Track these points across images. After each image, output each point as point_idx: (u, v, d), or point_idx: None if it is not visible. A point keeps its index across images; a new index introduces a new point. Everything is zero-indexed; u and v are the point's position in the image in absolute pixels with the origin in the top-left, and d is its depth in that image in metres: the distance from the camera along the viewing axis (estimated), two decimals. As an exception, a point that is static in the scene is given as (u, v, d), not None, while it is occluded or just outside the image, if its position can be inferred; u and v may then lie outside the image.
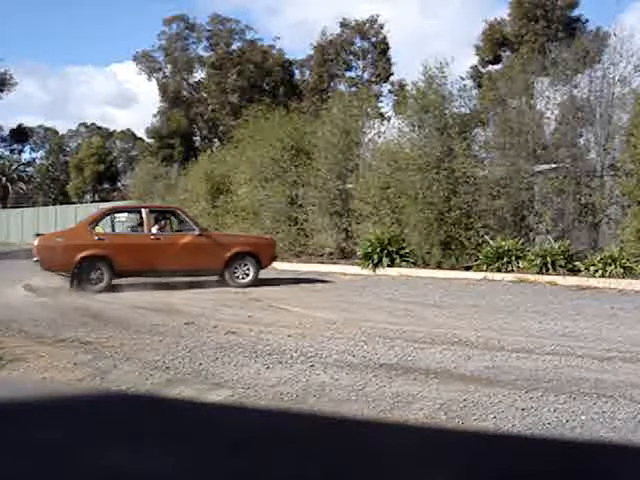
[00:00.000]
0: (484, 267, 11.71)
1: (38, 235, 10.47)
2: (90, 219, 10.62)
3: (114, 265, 9.73)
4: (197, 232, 10.23)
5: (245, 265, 10.39)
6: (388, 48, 35.94)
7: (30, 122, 71.35)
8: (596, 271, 10.37)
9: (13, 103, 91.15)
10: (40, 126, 57.96)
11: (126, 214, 11.20)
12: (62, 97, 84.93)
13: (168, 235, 10.45)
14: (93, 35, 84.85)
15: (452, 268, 12.21)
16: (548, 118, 13.26)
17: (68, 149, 57.85)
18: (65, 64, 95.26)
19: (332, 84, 35.67)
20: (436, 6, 63.60)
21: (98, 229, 10.35)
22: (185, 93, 39.65)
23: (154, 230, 10.27)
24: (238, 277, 10.34)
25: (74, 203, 42.86)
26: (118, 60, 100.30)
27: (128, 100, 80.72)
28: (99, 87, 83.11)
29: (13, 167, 54.41)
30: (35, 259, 9.98)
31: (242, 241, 10.75)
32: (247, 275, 10.38)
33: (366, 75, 36.83)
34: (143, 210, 10.54)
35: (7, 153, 54.65)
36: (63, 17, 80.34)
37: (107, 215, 10.74)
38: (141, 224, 10.43)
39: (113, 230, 10.96)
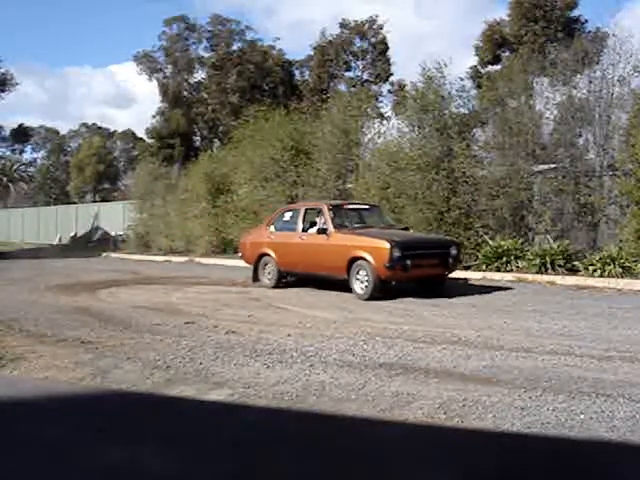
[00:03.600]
0: (483, 267, 11.74)
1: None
2: (269, 218, 11.37)
3: (277, 263, 10.39)
4: (330, 230, 9.55)
5: (362, 272, 8.90)
6: (387, 48, 35.92)
7: (29, 122, 71.32)
8: (595, 271, 10.39)
9: (12, 103, 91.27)
10: (41, 126, 58.10)
11: (291, 213, 10.74)
12: (61, 97, 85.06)
13: (310, 235, 9.99)
14: (91, 36, 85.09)
15: (452, 268, 12.21)
16: (547, 118, 13.29)
17: (69, 149, 57.88)
18: (64, 64, 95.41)
19: (332, 84, 35.64)
20: (432, 6, 63.65)
21: (271, 228, 10.80)
22: (185, 93, 39.66)
23: (312, 229, 10.07)
24: (358, 286, 8.95)
25: (75, 203, 42.89)
26: (116, 61, 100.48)
27: (127, 101, 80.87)
28: (98, 87, 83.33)
29: (14, 167, 54.37)
30: (240, 254, 11.64)
31: (361, 244, 9.04)
32: (365, 285, 8.83)
33: (365, 75, 36.82)
34: (300, 209, 10.56)
35: (8, 153, 54.61)
36: (62, 18, 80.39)
37: (280, 214, 11.00)
38: (297, 223, 10.34)
39: (282, 229, 10.72)
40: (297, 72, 39.45)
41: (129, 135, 54.36)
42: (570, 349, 5.28)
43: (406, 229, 10.72)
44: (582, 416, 3.54)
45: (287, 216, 10.74)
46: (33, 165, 57.52)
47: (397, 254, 8.58)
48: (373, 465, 3.00)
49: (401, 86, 31.71)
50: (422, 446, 3.31)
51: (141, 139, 46.58)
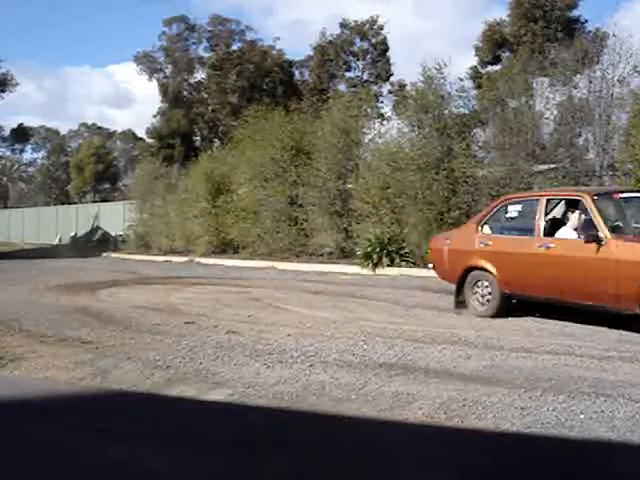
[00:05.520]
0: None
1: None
2: (480, 215, 7.97)
3: (499, 281, 7.10)
4: (604, 235, 6.11)
5: None
6: (387, 49, 35.93)
7: (29, 122, 71.25)
8: (596, 271, 10.33)
9: (12, 103, 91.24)
10: (41, 126, 58.02)
11: (520, 206, 7.39)
12: (60, 97, 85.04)
13: (564, 242, 6.64)
14: (90, 36, 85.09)
15: (452, 268, 12.11)
16: (547, 118, 13.28)
17: (69, 149, 57.88)
18: (62, 65, 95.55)
19: (332, 84, 35.66)
20: (432, 6, 63.68)
21: (485, 229, 7.55)
22: (185, 93, 39.67)
23: (563, 232, 6.79)
24: None
25: (75, 203, 42.90)
26: (115, 61, 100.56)
27: (127, 101, 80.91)
28: (97, 88, 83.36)
29: (14, 167, 54.44)
30: (430, 265, 8.47)
31: None
32: None
33: (365, 75, 36.82)
34: (538, 200, 7.04)
35: (8, 153, 54.66)
36: (61, 18, 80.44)
37: (499, 208, 7.56)
38: (533, 222, 6.94)
39: (505, 231, 7.42)
40: (297, 72, 39.45)
41: (129, 135, 54.34)
42: (570, 349, 5.28)
43: None
44: (582, 416, 3.54)
45: (513, 211, 7.42)
46: (33, 165, 57.68)
47: None
48: (373, 465, 3.00)
49: (401, 86, 31.73)
50: (422, 446, 3.31)
51: (141, 139, 46.59)
